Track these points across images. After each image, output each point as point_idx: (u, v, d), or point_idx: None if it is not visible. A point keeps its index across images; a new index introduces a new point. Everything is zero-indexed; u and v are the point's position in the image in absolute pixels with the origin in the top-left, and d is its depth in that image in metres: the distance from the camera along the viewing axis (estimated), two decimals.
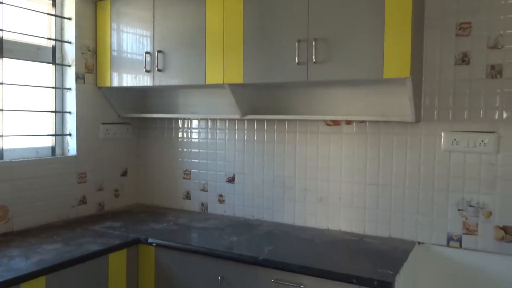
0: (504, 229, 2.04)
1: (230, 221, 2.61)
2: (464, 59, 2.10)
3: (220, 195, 2.78)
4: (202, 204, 2.85)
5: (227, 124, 2.74)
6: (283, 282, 1.89)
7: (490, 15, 2.03)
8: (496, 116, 2.04)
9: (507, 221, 2.03)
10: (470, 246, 2.11)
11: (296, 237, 2.31)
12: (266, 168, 2.62)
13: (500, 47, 2.02)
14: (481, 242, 2.09)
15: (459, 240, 2.13)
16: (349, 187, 2.38)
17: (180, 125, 2.93)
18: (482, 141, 2.06)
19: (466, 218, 2.12)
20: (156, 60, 2.50)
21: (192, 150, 2.88)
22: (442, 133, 2.14)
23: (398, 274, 1.78)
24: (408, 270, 1.99)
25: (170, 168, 2.97)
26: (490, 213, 2.07)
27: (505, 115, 2.03)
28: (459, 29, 2.10)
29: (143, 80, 2.56)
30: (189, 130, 2.89)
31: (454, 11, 2.10)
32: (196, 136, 2.86)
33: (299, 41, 2.08)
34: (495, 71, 2.04)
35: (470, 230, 2.11)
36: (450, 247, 2.15)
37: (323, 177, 2.45)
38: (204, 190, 2.84)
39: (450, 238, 2.15)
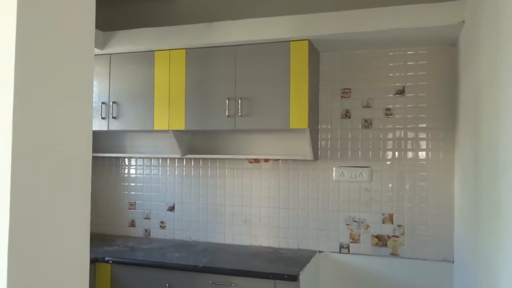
0: (377, 237, 2.82)
1: (171, 243, 3.13)
2: (347, 114, 2.91)
3: (162, 222, 3.30)
4: (146, 230, 3.34)
5: (168, 162, 3.31)
6: (218, 283, 2.46)
7: (363, 84, 2.88)
8: (370, 156, 2.86)
9: (379, 231, 2.81)
10: (355, 251, 2.85)
11: (227, 251, 2.90)
12: (201, 197, 3.21)
13: (370, 107, 2.86)
14: (362, 248, 2.84)
15: (348, 247, 2.87)
16: (267, 211, 3.05)
17: (126, 163, 3.43)
18: (361, 173, 2.85)
19: (352, 231, 2.87)
20: (111, 109, 3.03)
21: (137, 184, 3.38)
22: (333, 168, 2.91)
23: (302, 271, 2.44)
24: (310, 270, 2.66)
25: (116, 200, 3.42)
26: (368, 226, 2.84)
27: (374, 154, 2.85)
28: (343, 92, 2.92)
29: (99, 125, 3.06)
30: (134, 167, 3.40)
31: (339, 80, 2.93)
32: (141, 172, 3.38)
33: (228, 99, 2.76)
34: (367, 123, 2.87)
35: (355, 239, 2.86)
36: (342, 253, 2.88)
37: (247, 203, 3.10)
38: (147, 218, 3.34)
39: (341, 246, 2.88)
